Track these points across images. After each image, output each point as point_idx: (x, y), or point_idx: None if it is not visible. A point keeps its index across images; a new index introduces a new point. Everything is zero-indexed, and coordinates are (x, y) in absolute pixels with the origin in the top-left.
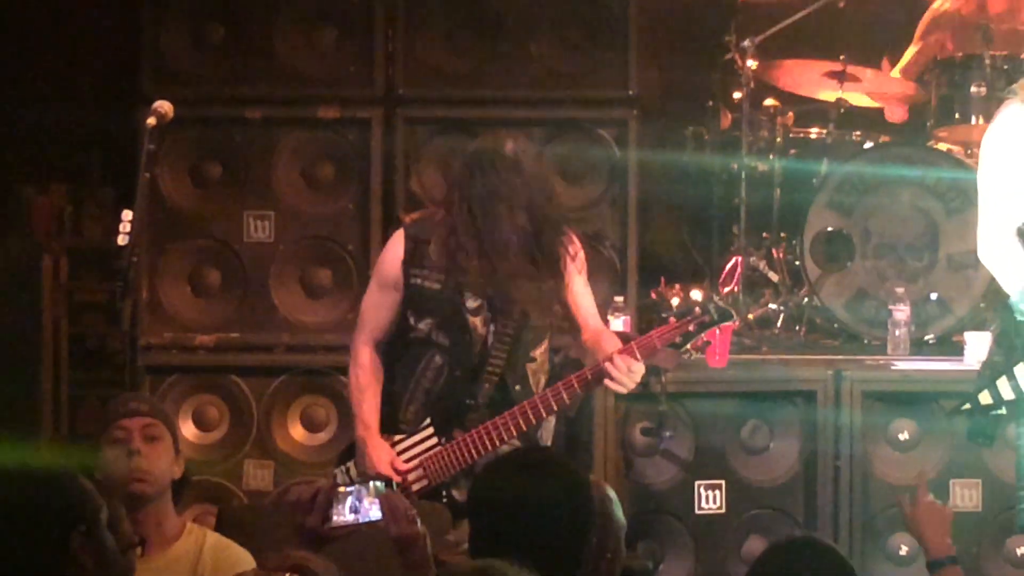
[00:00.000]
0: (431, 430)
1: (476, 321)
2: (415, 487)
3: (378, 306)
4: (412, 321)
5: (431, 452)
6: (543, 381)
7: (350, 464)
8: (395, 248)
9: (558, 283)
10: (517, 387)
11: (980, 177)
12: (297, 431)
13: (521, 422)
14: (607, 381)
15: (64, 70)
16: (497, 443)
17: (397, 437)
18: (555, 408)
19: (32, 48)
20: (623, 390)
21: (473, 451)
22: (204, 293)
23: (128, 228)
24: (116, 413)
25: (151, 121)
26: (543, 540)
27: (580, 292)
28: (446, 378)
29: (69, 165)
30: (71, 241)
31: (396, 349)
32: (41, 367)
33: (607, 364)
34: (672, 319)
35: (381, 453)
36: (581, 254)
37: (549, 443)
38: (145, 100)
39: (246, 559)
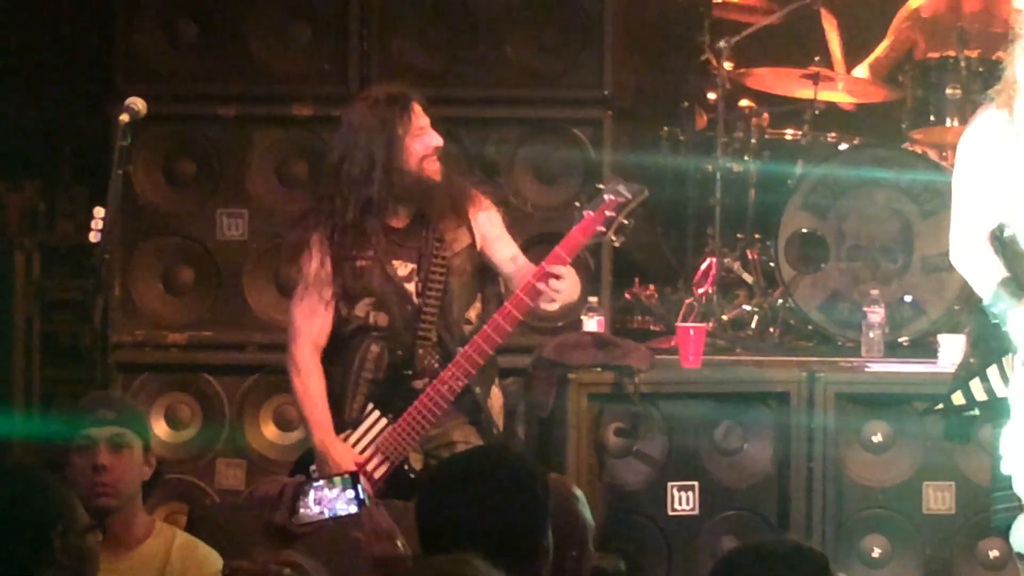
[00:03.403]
0: (376, 413)
1: (411, 288)
2: (377, 474)
3: (312, 310)
4: (346, 312)
5: (383, 433)
6: None
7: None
8: (316, 249)
9: (464, 234)
10: (459, 349)
11: (954, 180)
12: (269, 430)
13: (468, 367)
14: (542, 290)
15: (37, 66)
16: (449, 397)
17: (342, 435)
18: (499, 340)
19: (4, 44)
20: (557, 300)
21: (429, 416)
22: (177, 291)
23: (100, 225)
24: (83, 419)
25: (124, 118)
26: (492, 535)
27: (496, 242)
28: (387, 363)
29: (42, 162)
30: (43, 238)
31: (331, 349)
32: (13, 364)
33: (536, 277)
34: (587, 212)
35: (343, 454)
36: (493, 209)
37: (500, 422)
38: (118, 97)
39: (213, 558)
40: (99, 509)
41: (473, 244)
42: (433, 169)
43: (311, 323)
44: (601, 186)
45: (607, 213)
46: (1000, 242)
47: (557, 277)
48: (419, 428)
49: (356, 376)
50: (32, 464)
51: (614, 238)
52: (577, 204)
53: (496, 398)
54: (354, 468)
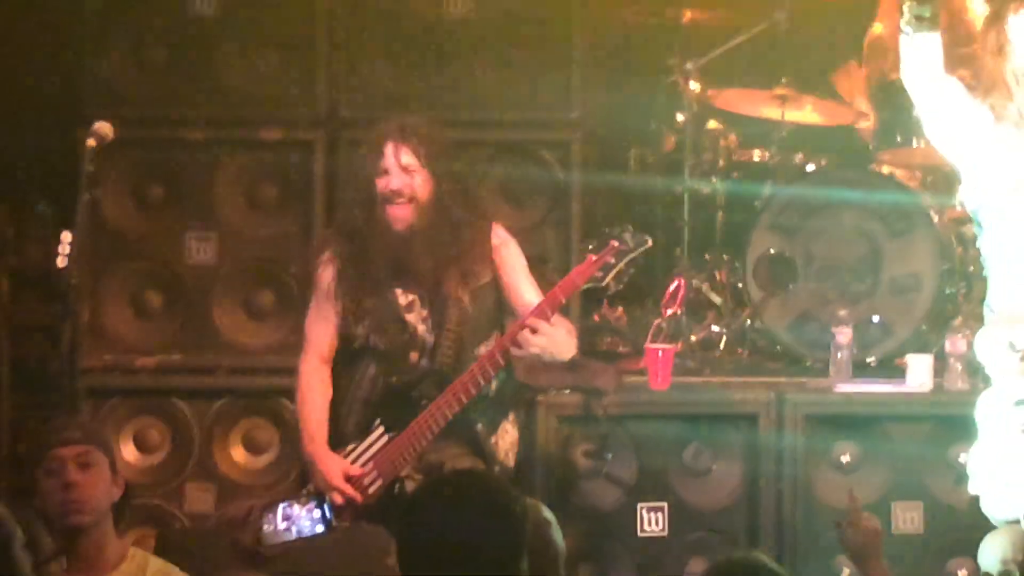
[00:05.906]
0: (381, 430)
1: (411, 318)
2: (371, 490)
3: (319, 319)
4: (353, 328)
5: (381, 450)
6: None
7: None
8: (329, 260)
9: (485, 271)
10: None
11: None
12: (239, 453)
13: (462, 396)
14: (532, 335)
15: (4, 91)
16: (441, 422)
17: (348, 447)
18: (492, 373)
19: None
20: (536, 352)
21: (421, 438)
22: (146, 315)
23: (68, 250)
24: (49, 442)
25: (91, 142)
26: (471, 558)
27: (517, 284)
28: (381, 387)
29: (10, 186)
30: (12, 262)
31: (338, 363)
32: None
33: (529, 318)
34: (590, 255)
35: (331, 465)
36: (513, 246)
37: (510, 458)
38: (86, 121)
39: None
40: (71, 529)
41: (492, 281)
42: (395, 215)
43: (318, 335)
44: (608, 230)
45: (608, 259)
46: None
47: (533, 330)
48: (412, 448)
49: (353, 393)
50: None
51: (612, 283)
52: (591, 247)
53: (506, 434)
54: (342, 482)
